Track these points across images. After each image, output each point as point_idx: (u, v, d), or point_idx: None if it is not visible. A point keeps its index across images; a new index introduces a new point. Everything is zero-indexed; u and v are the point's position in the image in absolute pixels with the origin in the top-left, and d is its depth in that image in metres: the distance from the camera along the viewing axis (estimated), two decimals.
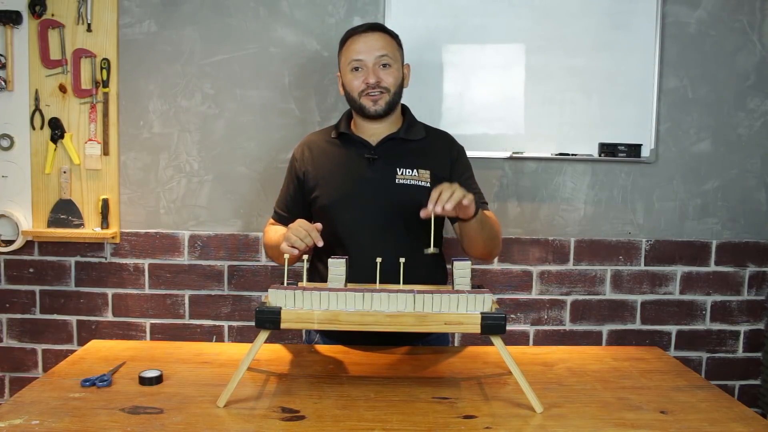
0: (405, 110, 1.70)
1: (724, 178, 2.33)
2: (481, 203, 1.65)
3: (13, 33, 2.18)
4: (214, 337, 2.32)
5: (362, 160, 1.59)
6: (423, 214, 1.33)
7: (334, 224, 1.56)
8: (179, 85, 2.25)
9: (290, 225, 1.41)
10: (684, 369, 1.45)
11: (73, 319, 2.30)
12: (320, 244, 1.37)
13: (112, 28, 2.20)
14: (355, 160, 1.60)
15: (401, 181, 1.58)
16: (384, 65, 1.58)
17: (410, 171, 1.59)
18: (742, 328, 2.39)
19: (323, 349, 1.53)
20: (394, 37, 1.64)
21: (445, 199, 1.30)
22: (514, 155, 2.27)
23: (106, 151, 2.24)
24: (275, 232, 1.63)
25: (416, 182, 1.58)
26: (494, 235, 1.60)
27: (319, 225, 1.40)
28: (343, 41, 1.63)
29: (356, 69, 1.58)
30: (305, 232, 1.37)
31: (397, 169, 1.59)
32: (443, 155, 1.65)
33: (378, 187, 1.57)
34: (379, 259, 1.28)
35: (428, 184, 1.58)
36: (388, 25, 2.12)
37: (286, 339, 2.26)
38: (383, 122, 1.63)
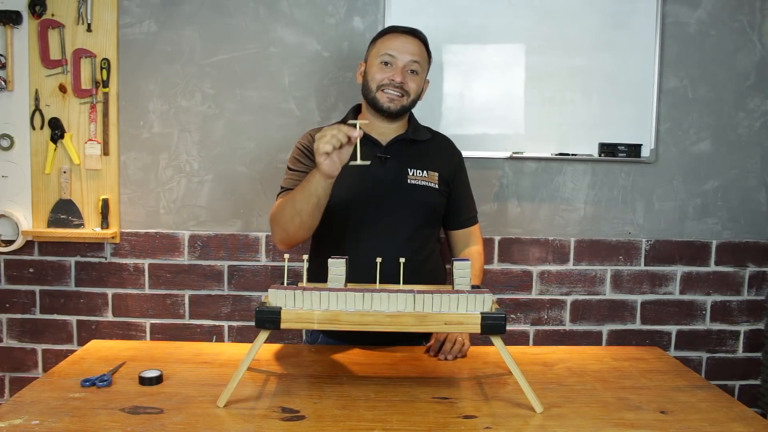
0: (410, 113, 1.73)
1: (724, 178, 2.33)
2: (473, 216, 1.78)
3: (13, 33, 2.18)
4: (214, 337, 2.32)
5: (374, 159, 1.60)
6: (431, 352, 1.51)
7: (342, 222, 1.56)
8: (179, 85, 2.25)
9: (317, 140, 1.35)
10: (684, 369, 1.45)
11: (73, 319, 2.30)
12: (355, 134, 1.32)
13: (112, 28, 2.20)
14: (367, 159, 1.60)
15: (412, 182, 1.59)
16: (412, 71, 1.60)
17: (420, 172, 1.61)
18: (742, 328, 2.39)
19: (323, 349, 1.54)
20: (427, 47, 1.66)
21: (447, 351, 1.48)
22: (514, 155, 2.27)
23: (106, 151, 2.24)
24: (290, 195, 1.55)
25: (426, 183, 1.60)
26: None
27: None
28: (381, 34, 1.65)
29: (385, 63, 1.60)
30: (336, 128, 1.33)
31: (409, 170, 1.60)
32: (448, 161, 1.70)
33: (390, 186, 1.58)
34: (379, 259, 1.28)
35: (436, 186, 1.61)
36: (388, 24, 2.12)
37: (286, 339, 2.26)
38: (392, 123, 1.65)
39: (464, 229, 1.75)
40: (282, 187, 1.66)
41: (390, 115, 1.61)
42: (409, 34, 1.62)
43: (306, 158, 1.64)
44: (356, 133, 1.33)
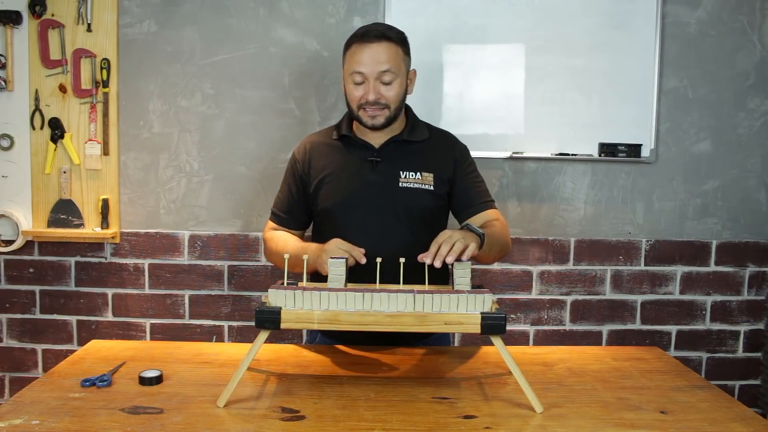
0: (407, 110, 1.67)
1: (724, 178, 2.33)
2: (486, 201, 1.65)
3: (13, 33, 2.18)
4: (214, 337, 2.32)
5: (365, 163, 1.58)
6: (420, 259, 1.31)
7: (336, 227, 1.56)
8: (179, 85, 2.25)
9: (326, 247, 1.40)
10: (684, 369, 1.45)
11: (73, 319, 2.30)
12: (363, 261, 1.37)
13: (112, 28, 2.20)
14: (358, 163, 1.58)
15: (404, 185, 1.57)
16: (386, 81, 1.52)
17: (413, 174, 1.58)
18: (742, 328, 2.39)
19: (323, 349, 1.53)
20: (400, 43, 1.55)
21: (444, 254, 1.28)
22: (514, 155, 2.27)
23: (106, 151, 2.24)
24: (284, 241, 1.59)
25: (419, 185, 1.57)
26: (502, 246, 1.58)
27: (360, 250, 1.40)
28: (348, 45, 1.55)
29: (357, 82, 1.53)
30: (346, 253, 1.37)
31: (401, 172, 1.57)
32: (446, 156, 1.63)
33: (381, 190, 1.56)
34: (379, 259, 1.27)
35: (431, 188, 1.58)
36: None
37: (286, 339, 2.26)
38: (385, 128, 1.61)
39: (476, 216, 1.62)
40: (274, 210, 1.67)
41: (377, 129, 1.58)
42: (374, 40, 1.51)
43: (298, 181, 1.64)
44: (363, 261, 1.38)
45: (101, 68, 2.20)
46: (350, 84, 1.55)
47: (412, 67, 1.61)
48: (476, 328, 1.18)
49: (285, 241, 1.59)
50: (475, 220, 1.58)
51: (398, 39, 1.55)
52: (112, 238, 2.25)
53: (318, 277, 1.58)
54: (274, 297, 1.19)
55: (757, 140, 2.33)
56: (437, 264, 1.28)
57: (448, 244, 1.29)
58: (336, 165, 1.60)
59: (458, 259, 1.28)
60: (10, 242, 2.25)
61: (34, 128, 2.21)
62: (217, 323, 2.32)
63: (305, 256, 1.31)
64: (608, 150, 2.26)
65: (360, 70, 1.51)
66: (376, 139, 1.60)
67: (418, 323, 1.19)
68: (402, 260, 1.28)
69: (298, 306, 1.19)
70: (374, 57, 1.51)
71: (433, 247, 1.30)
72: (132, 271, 2.29)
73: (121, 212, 2.27)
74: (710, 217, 2.35)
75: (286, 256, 1.29)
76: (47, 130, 2.21)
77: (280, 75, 2.25)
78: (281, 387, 1.27)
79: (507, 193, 2.31)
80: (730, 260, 2.36)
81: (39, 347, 2.31)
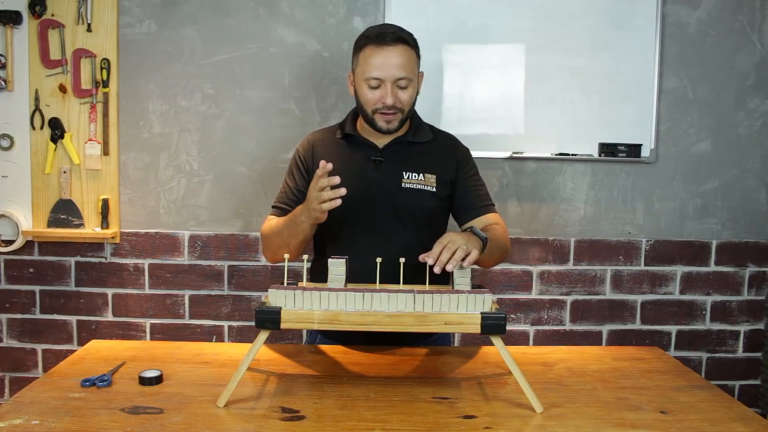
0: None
1: (724, 178, 2.34)
2: (487, 205, 1.65)
3: (13, 33, 2.18)
4: (214, 337, 2.32)
5: (368, 163, 1.58)
6: (421, 259, 1.30)
7: (337, 226, 1.56)
8: (179, 85, 2.25)
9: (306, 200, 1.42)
10: (684, 369, 1.45)
11: (73, 319, 2.30)
12: (343, 192, 1.35)
13: (112, 28, 2.20)
14: (361, 162, 1.58)
15: (407, 185, 1.57)
16: (402, 86, 1.51)
17: (416, 175, 1.58)
18: (742, 328, 2.39)
19: (323, 349, 1.53)
20: (414, 47, 1.55)
21: (445, 261, 1.27)
22: (514, 155, 2.27)
23: (106, 151, 2.24)
24: (276, 221, 1.58)
25: (422, 187, 1.57)
26: (502, 250, 1.59)
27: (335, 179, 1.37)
28: (362, 46, 1.54)
29: (373, 85, 1.52)
30: (322, 191, 1.36)
31: (403, 173, 1.57)
32: (449, 158, 1.64)
33: (384, 190, 1.56)
34: (379, 259, 1.27)
35: (433, 189, 1.58)
36: None
37: (286, 339, 2.26)
38: None
39: (476, 219, 1.62)
40: (275, 204, 1.65)
41: (391, 133, 1.58)
42: (391, 43, 1.50)
43: (304, 174, 1.63)
44: (343, 192, 1.36)
45: (101, 68, 2.20)
46: (365, 88, 1.53)
47: (420, 70, 1.62)
48: (476, 328, 1.18)
49: (277, 221, 1.58)
50: (476, 224, 1.58)
51: (413, 42, 1.56)
52: (112, 238, 2.25)
53: (318, 277, 1.58)
54: (274, 297, 1.19)
55: (757, 140, 2.33)
56: (437, 270, 1.28)
57: (450, 251, 1.28)
58: (339, 164, 1.59)
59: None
60: (10, 242, 2.25)
61: (34, 128, 2.21)
62: (217, 323, 2.31)
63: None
64: (608, 150, 2.26)
65: (377, 76, 1.50)
66: (380, 139, 1.60)
67: (418, 323, 1.19)
68: (402, 260, 1.28)
69: (298, 306, 1.19)
70: (392, 62, 1.50)
71: (436, 248, 1.29)
72: (132, 271, 2.29)
73: (121, 212, 2.27)
74: (710, 217, 2.35)
75: (287, 256, 1.29)
76: (47, 130, 2.21)
77: (280, 75, 2.25)
78: (281, 387, 1.27)
79: (507, 193, 2.31)
80: (730, 260, 2.36)
81: (39, 347, 2.31)
